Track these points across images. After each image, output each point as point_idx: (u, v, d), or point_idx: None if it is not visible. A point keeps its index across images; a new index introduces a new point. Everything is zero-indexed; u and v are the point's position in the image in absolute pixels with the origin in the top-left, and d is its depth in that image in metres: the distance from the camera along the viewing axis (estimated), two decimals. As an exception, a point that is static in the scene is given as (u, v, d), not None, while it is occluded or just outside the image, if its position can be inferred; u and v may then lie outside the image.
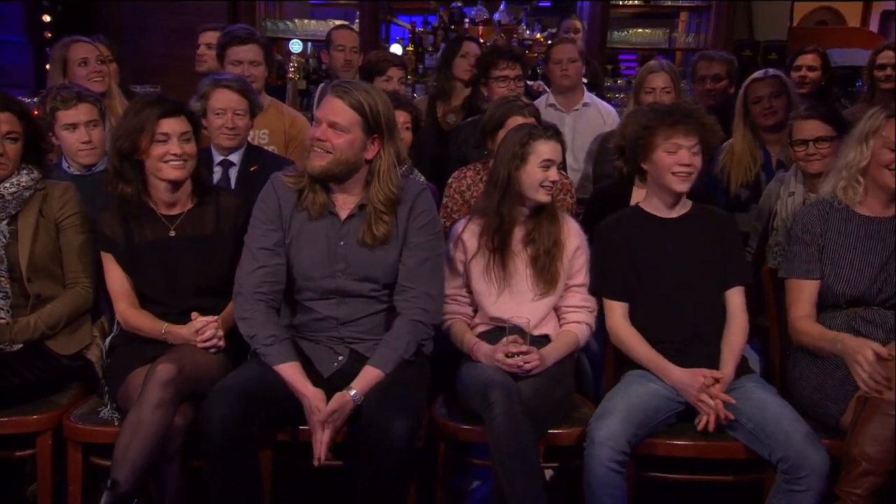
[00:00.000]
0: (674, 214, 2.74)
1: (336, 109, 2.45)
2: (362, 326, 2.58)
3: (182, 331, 2.57)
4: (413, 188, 2.60)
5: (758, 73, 3.70)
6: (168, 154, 2.55)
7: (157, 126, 2.53)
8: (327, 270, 2.54)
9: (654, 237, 2.71)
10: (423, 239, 2.56)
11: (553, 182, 2.68)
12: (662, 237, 2.71)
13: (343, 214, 2.55)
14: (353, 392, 2.43)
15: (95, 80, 3.60)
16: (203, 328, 2.55)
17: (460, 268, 2.78)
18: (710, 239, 2.71)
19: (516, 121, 3.05)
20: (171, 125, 2.55)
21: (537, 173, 2.67)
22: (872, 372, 2.40)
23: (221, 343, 2.58)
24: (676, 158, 2.61)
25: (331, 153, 2.45)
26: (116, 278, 2.67)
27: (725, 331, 2.66)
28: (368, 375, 2.46)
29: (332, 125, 2.44)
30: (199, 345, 2.53)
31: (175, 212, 2.68)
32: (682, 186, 2.64)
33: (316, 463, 2.38)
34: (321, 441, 2.37)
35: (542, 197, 2.68)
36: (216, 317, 2.60)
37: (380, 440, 2.27)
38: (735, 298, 2.69)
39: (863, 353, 2.43)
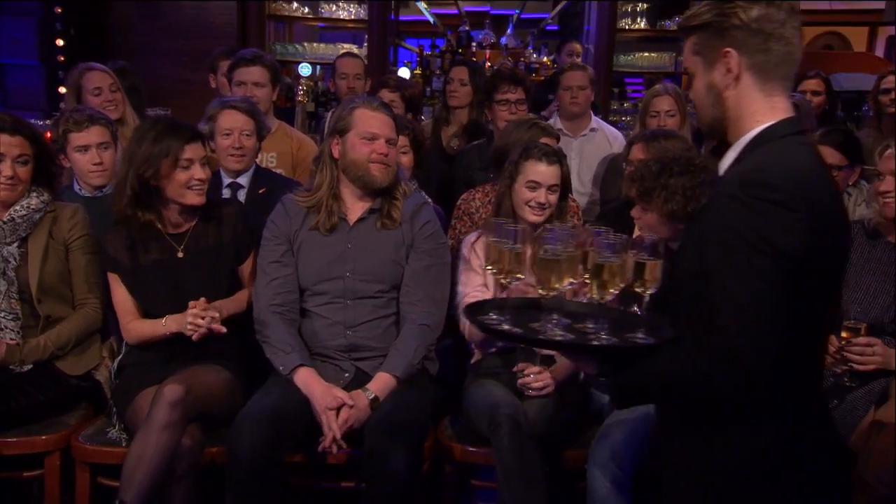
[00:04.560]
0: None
1: (391, 126, 2.64)
2: (368, 332, 2.62)
3: (180, 318, 2.58)
4: (414, 200, 2.70)
5: None
6: (193, 179, 2.59)
7: (182, 152, 2.56)
8: (335, 272, 2.61)
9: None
10: (430, 245, 2.64)
11: (540, 204, 2.70)
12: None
13: (353, 219, 2.64)
14: (368, 392, 2.48)
15: (109, 109, 3.65)
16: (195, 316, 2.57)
17: (479, 269, 2.79)
18: None
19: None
20: (194, 151, 2.59)
21: (524, 193, 2.71)
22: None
23: (216, 326, 2.57)
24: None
25: (391, 166, 2.62)
26: (122, 297, 2.69)
27: None
28: (382, 379, 2.53)
29: (389, 140, 2.61)
30: (188, 328, 2.56)
31: (181, 230, 2.71)
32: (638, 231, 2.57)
33: (320, 448, 2.41)
34: (331, 427, 2.40)
35: (530, 216, 2.70)
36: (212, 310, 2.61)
37: (380, 470, 2.30)
38: None
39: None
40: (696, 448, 1.62)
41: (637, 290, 1.71)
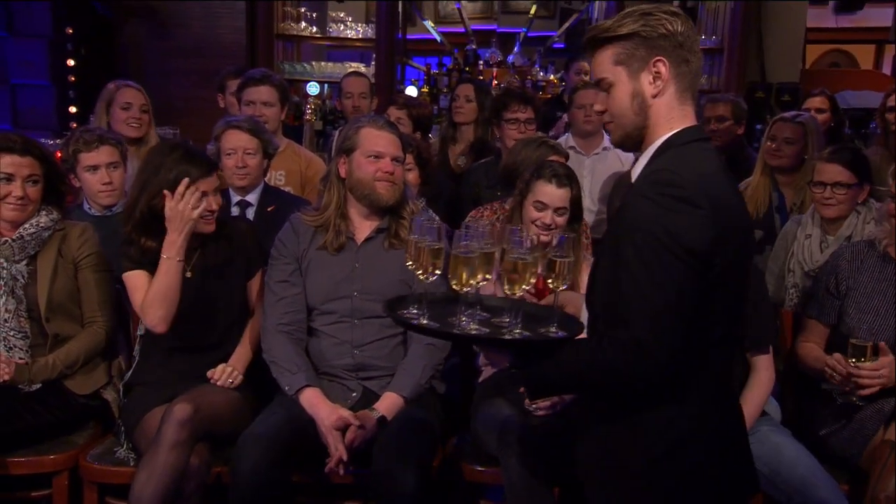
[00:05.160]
0: None
1: (397, 144, 2.64)
2: (375, 351, 2.62)
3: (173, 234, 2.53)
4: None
5: (789, 113, 3.74)
6: (205, 211, 2.59)
7: (197, 186, 2.56)
8: (343, 291, 2.61)
9: None
10: None
11: (546, 224, 2.67)
12: None
13: (360, 238, 2.65)
14: (375, 412, 2.49)
15: (132, 126, 3.68)
16: (218, 377, 2.64)
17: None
18: None
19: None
20: (209, 184, 2.60)
21: (531, 211, 2.71)
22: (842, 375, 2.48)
23: (236, 381, 2.66)
24: None
25: (397, 184, 2.62)
26: (144, 288, 2.58)
27: (747, 385, 2.60)
28: (389, 399, 2.53)
29: (395, 159, 2.61)
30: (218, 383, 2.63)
31: (190, 249, 2.69)
32: None
33: (327, 469, 2.41)
34: (337, 447, 2.40)
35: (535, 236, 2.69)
36: (230, 367, 2.68)
37: (388, 490, 2.30)
38: (763, 363, 2.60)
39: (830, 362, 2.53)
40: (608, 442, 1.70)
41: (551, 286, 1.80)
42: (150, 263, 2.61)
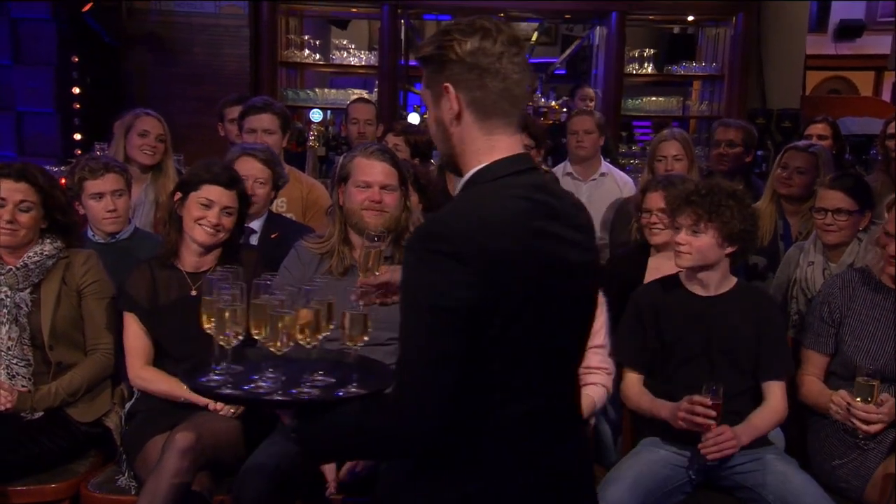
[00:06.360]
0: (705, 293, 2.61)
1: (387, 172, 2.63)
2: None
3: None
4: None
5: (801, 143, 3.76)
6: (205, 219, 2.64)
7: (205, 191, 2.64)
8: None
9: (683, 312, 2.60)
10: None
11: None
12: (691, 313, 2.59)
13: None
14: None
15: (146, 153, 3.68)
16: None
17: None
18: (746, 323, 2.57)
19: None
20: (219, 196, 2.66)
21: None
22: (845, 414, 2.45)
23: (238, 409, 2.64)
24: (676, 237, 2.58)
25: (387, 212, 2.61)
26: (134, 336, 2.70)
27: (758, 409, 2.55)
28: None
29: (385, 187, 2.61)
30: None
31: (200, 270, 2.73)
32: (679, 261, 2.58)
33: (328, 493, 2.39)
34: (333, 475, 2.39)
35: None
36: None
37: None
38: (776, 390, 2.55)
39: (835, 399, 2.49)
40: (405, 497, 1.57)
41: (348, 343, 1.72)
42: (146, 296, 2.69)
